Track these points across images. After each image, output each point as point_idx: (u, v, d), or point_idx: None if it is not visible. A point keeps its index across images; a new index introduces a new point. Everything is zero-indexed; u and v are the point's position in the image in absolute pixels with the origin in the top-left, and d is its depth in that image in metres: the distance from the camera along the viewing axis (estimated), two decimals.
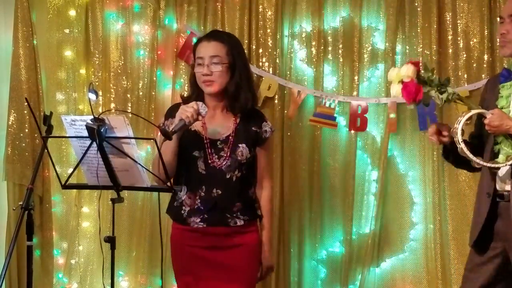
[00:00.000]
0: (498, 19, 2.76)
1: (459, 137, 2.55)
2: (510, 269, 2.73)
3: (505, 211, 2.66)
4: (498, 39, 2.79)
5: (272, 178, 3.00)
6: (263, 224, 2.89)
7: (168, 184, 2.59)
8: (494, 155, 2.66)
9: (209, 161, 2.76)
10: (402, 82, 2.58)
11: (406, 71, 2.57)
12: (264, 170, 2.88)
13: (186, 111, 2.63)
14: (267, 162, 2.89)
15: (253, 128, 2.82)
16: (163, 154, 2.59)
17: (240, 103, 2.78)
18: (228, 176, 2.76)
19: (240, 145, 2.77)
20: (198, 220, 2.76)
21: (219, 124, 2.81)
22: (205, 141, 2.77)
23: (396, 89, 2.61)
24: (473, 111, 2.58)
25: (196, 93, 2.82)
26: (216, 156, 2.76)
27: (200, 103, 2.69)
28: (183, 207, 2.80)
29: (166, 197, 2.93)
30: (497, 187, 2.68)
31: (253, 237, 2.84)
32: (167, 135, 2.59)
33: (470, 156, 2.57)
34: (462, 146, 2.56)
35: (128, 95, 4.16)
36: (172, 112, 2.79)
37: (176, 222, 2.85)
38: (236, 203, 2.78)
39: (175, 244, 2.88)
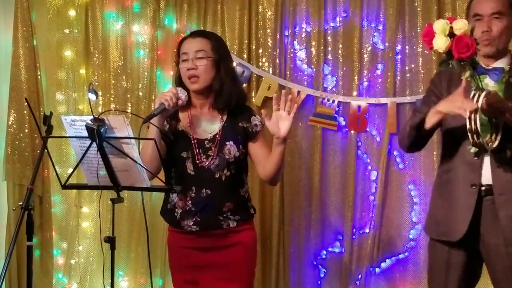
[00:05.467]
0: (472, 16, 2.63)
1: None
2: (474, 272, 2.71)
3: (491, 206, 2.59)
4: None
5: None
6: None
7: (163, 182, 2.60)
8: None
9: (197, 161, 2.72)
10: (450, 35, 2.39)
11: (461, 24, 2.39)
12: (266, 158, 2.79)
13: (165, 95, 2.63)
14: (265, 152, 2.79)
15: (240, 124, 2.77)
16: (146, 147, 2.62)
17: (224, 99, 2.73)
18: (217, 176, 2.72)
19: (227, 143, 2.73)
20: (191, 223, 2.75)
21: (206, 122, 2.78)
22: (192, 141, 2.74)
23: (441, 42, 2.39)
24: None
25: None
26: (204, 156, 2.73)
27: (179, 88, 2.68)
28: (176, 209, 2.78)
29: (160, 197, 2.92)
30: (482, 181, 2.59)
31: (249, 235, 2.82)
32: (166, 135, 2.60)
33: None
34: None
35: (128, 95, 4.16)
36: None
37: (171, 225, 2.86)
38: (226, 203, 2.73)
39: (171, 246, 2.87)
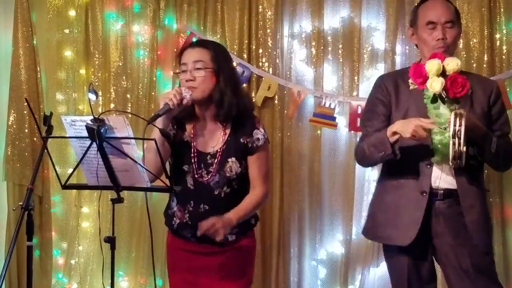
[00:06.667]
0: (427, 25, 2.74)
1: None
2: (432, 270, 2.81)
3: (444, 209, 2.70)
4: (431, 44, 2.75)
5: (266, 184, 2.79)
6: (240, 205, 2.70)
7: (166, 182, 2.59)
8: (429, 153, 2.68)
9: (196, 176, 2.70)
10: (442, 75, 2.49)
11: (454, 64, 2.50)
12: (256, 178, 2.74)
13: (168, 95, 2.61)
14: (258, 171, 2.74)
15: (241, 140, 2.71)
16: (148, 151, 2.59)
17: (224, 110, 2.68)
18: (216, 192, 2.69)
19: (229, 159, 2.69)
20: (190, 235, 2.74)
21: (209, 135, 2.74)
22: (194, 154, 2.72)
23: (437, 84, 2.48)
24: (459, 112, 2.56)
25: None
26: (205, 171, 2.70)
27: (183, 88, 2.65)
28: (174, 218, 2.78)
29: (162, 196, 2.92)
30: (433, 186, 2.70)
31: (248, 240, 2.81)
32: (167, 135, 2.59)
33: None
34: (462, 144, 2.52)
35: (128, 95, 4.16)
36: None
37: (170, 230, 2.86)
38: None
39: (169, 248, 2.88)
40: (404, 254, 2.76)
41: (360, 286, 3.91)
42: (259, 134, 2.74)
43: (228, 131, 2.73)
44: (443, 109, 2.64)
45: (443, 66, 2.52)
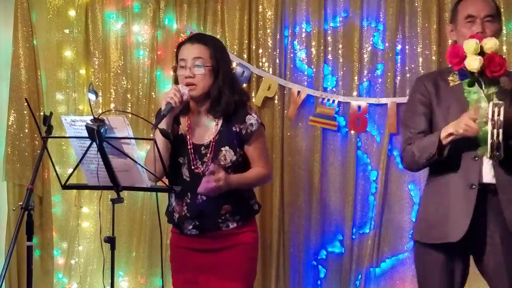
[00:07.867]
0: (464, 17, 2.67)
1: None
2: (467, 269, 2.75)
3: (495, 204, 2.62)
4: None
5: (268, 166, 2.83)
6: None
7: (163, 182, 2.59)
8: (474, 146, 2.60)
9: (193, 167, 2.72)
10: (480, 54, 2.42)
11: (492, 43, 2.43)
12: (256, 162, 2.77)
13: (168, 94, 2.64)
14: (258, 156, 2.77)
15: (233, 128, 2.74)
16: (150, 152, 2.60)
17: (222, 107, 2.71)
18: None
19: (223, 148, 2.71)
20: (190, 227, 2.75)
21: (203, 128, 2.77)
22: (188, 147, 2.74)
23: (475, 62, 2.40)
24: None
25: None
26: (200, 162, 2.72)
27: (180, 85, 2.68)
28: (174, 213, 2.79)
29: (164, 197, 2.93)
30: (483, 180, 2.62)
31: (250, 236, 2.81)
32: (167, 136, 2.60)
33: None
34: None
35: (128, 95, 4.16)
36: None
37: (173, 227, 2.86)
38: (224, 206, 2.72)
39: (173, 246, 2.89)
40: (440, 251, 2.69)
41: (360, 286, 3.91)
42: (252, 119, 2.76)
43: (220, 122, 2.75)
44: (484, 103, 2.52)
45: (481, 45, 2.44)
